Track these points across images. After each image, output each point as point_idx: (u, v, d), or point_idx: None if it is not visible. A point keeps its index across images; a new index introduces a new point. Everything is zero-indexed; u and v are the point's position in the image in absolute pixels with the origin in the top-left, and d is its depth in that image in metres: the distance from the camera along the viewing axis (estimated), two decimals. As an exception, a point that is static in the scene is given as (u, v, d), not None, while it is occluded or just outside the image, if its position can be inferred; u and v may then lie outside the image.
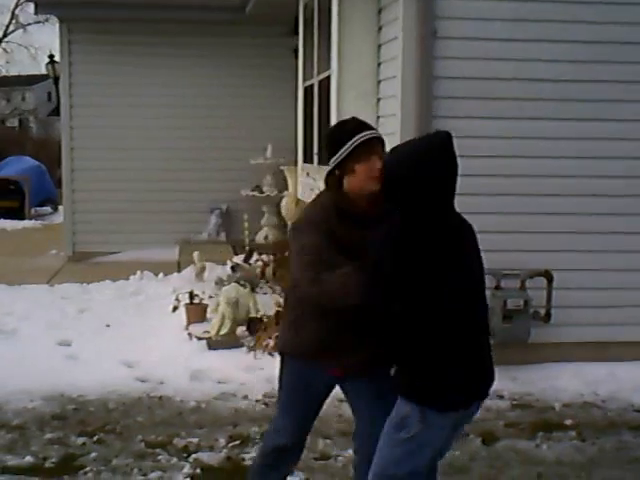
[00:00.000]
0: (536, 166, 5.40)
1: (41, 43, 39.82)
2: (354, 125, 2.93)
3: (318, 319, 2.88)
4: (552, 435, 4.35)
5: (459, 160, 2.60)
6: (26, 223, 14.54)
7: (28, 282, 8.04)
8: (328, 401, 4.65)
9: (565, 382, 5.09)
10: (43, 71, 25.43)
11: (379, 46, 5.91)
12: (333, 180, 2.92)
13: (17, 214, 15.00)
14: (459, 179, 2.62)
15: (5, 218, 14.45)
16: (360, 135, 2.84)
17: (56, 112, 18.35)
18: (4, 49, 34.47)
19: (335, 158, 2.87)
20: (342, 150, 2.85)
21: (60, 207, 13.11)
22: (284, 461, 3.17)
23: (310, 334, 2.92)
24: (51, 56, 18.88)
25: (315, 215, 2.90)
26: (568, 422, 4.54)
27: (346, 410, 4.55)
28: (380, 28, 5.90)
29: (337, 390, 4.83)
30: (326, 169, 2.98)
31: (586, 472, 3.92)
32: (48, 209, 16.82)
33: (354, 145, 2.83)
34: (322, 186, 3.00)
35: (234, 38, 9.62)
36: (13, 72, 36.81)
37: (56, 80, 16.08)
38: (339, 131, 2.97)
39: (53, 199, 16.93)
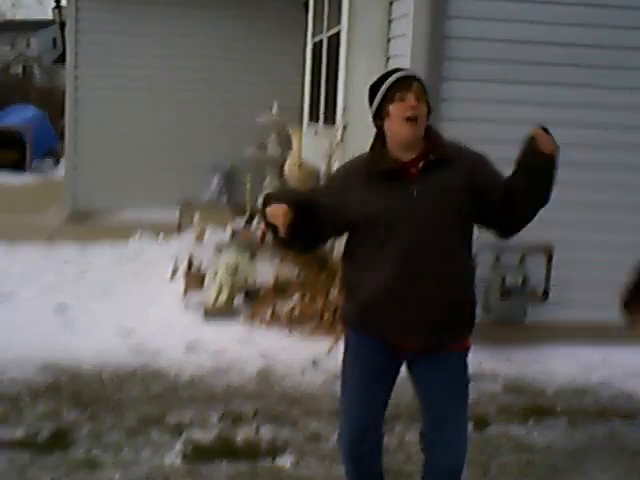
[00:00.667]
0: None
1: (47, -14, 39.06)
2: (389, 71, 2.81)
3: (360, 278, 2.71)
4: (543, 421, 4.35)
5: None
6: (26, 179, 14.19)
7: (26, 240, 8.00)
8: (320, 378, 4.69)
9: (559, 366, 5.08)
10: (49, 16, 25.03)
11: (390, 3, 5.78)
12: (376, 135, 2.79)
13: (17, 166, 14.73)
14: None
15: (5, 170, 14.17)
16: (393, 77, 2.73)
17: (61, 60, 18.05)
18: (10, -9, 33.93)
19: (373, 106, 2.77)
20: (377, 96, 2.74)
21: (62, 160, 12.96)
22: (364, 456, 2.86)
23: (354, 297, 2.76)
24: (57, 0, 18.59)
25: (337, 171, 2.98)
26: (559, 408, 4.54)
27: (338, 389, 4.55)
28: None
29: (327, 366, 4.81)
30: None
31: (576, 460, 3.93)
32: (49, 162, 16.53)
33: (387, 87, 2.71)
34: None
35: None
36: (19, 17, 36.19)
37: (62, 26, 15.75)
38: (376, 82, 2.82)
39: (55, 151, 16.59)
